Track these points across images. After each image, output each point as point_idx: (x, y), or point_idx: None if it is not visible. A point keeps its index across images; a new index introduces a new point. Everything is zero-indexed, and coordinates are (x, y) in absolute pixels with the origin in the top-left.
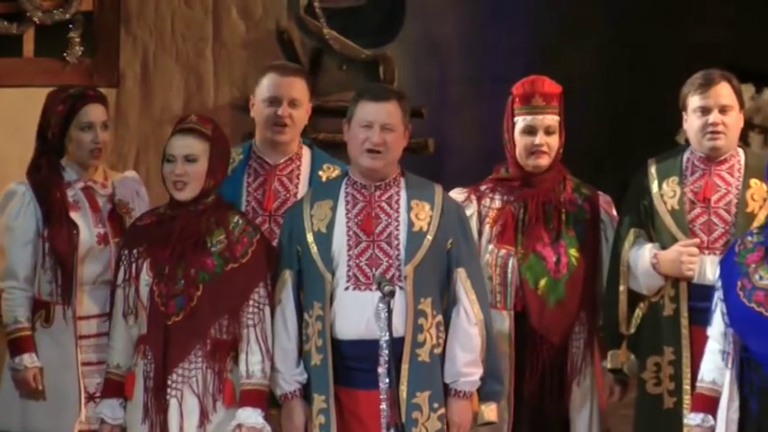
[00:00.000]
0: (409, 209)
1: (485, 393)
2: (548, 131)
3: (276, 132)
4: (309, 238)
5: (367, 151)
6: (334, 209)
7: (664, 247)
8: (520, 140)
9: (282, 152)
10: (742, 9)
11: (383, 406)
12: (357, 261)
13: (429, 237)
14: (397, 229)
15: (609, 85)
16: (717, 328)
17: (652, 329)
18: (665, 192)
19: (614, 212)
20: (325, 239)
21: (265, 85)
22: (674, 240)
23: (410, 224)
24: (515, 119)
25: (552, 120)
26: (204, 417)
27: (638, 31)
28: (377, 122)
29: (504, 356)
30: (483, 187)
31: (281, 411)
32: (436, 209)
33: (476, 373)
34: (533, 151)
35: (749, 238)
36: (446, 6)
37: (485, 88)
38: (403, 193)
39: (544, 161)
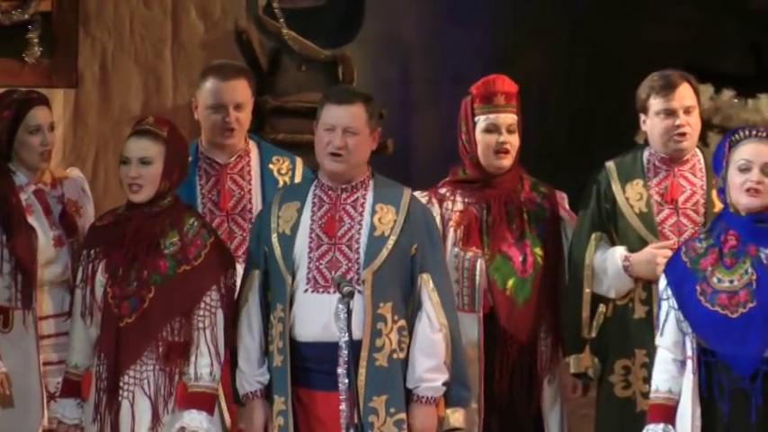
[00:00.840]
0: (373, 212)
1: (450, 399)
2: (509, 130)
3: (226, 137)
4: (274, 239)
5: (329, 154)
6: (300, 210)
7: (630, 250)
8: (482, 139)
9: (230, 152)
10: (700, 9)
11: (342, 407)
12: (317, 264)
13: (390, 241)
14: (359, 233)
15: (567, 85)
16: (669, 337)
17: (619, 333)
18: (629, 195)
19: (567, 207)
20: (288, 241)
21: (208, 91)
22: (643, 243)
23: (372, 228)
24: (476, 118)
25: (512, 119)
26: (156, 418)
27: (597, 30)
28: (339, 126)
29: (473, 359)
30: (443, 190)
31: (244, 411)
32: (401, 213)
33: (438, 378)
34: (498, 150)
35: (698, 244)
36: (405, 6)
37: (444, 88)
38: (369, 197)
39: (507, 161)
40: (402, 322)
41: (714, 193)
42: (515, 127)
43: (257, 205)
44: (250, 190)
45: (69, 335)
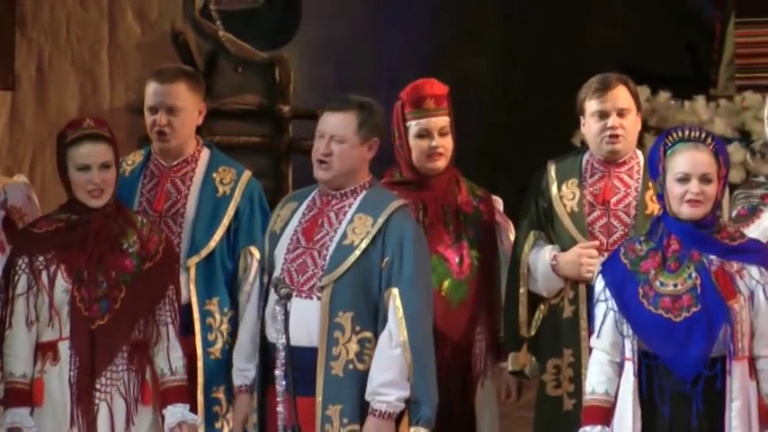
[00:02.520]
0: (350, 221)
1: (413, 417)
2: (441, 133)
3: (158, 140)
4: (267, 237)
5: (317, 161)
6: (294, 212)
7: (563, 250)
8: (415, 145)
9: (175, 155)
10: (637, 10)
11: (279, 408)
12: (290, 266)
13: (357, 252)
14: (331, 240)
15: (505, 87)
16: (606, 339)
17: (552, 332)
18: (564, 194)
19: (502, 213)
20: (274, 241)
21: (147, 94)
22: (574, 243)
23: (343, 237)
24: (407, 123)
25: (444, 121)
26: (130, 418)
27: (534, 32)
28: (326, 132)
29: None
30: None
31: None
32: (377, 225)
33: (392, 394)
34: (431, 154)
35: (638, 246)
36: (342, 8)
37: (381, 90)
38: (355, 205)
39: (442, 163)
40: (367, 334)
41: (648, 195)
42: (448, 129)
43: (191, 211)
44: (187, 195)
45: (8, 344)
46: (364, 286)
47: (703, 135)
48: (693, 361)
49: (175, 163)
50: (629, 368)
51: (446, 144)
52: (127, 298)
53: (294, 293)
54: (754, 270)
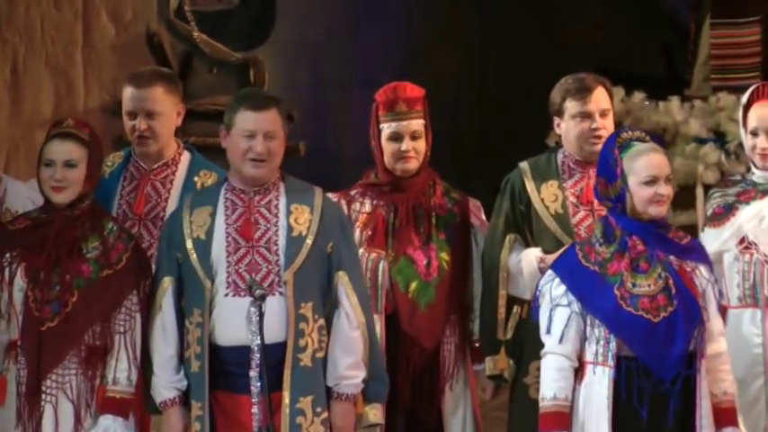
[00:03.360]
0: (288, 213)
1: (369, 395)
2: (414, 136)
3: (138, 145)
4: (189, 244)
5: (251, 160)
6: (213, 215)
7: (546, 251)
8: (387, 147)
9: (155, 158)
10: (612, 11)
11: (255, 410)
12: (236, 267)
13: (308, 241)
14: (277, 235)
15: (479, 88)
16: (570, 344)
17: (534, 334)
18: (545, 196)
19: (483, 217)
20: (204, 246)
21: (125, 99)
22: (558, 244)
23: (289, 229)
24: (381, 126)
25: (418, 124)
26: (78, 423)
27: (509, 32)
28: (260, 131)
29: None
30: (353, 192)
31: (162, 418)
32: (316, 213)
33: (358, 375)
34: (401, 157)
35: (599, 248)
36: (317, 9)
37: (356, 91)
38: (282, 198)
39: (412, 165)
40: (321, 321)
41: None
42: (421, 132)
43: None
44: (167, 198)
45: None
46: (317, 274)
47: (647, 136)
48: (674, 360)
49: (156, 166)
50: (603, 372)
51: (417, 147)
52: (78, 303)
53: (278, 294)
54: (703, 269)
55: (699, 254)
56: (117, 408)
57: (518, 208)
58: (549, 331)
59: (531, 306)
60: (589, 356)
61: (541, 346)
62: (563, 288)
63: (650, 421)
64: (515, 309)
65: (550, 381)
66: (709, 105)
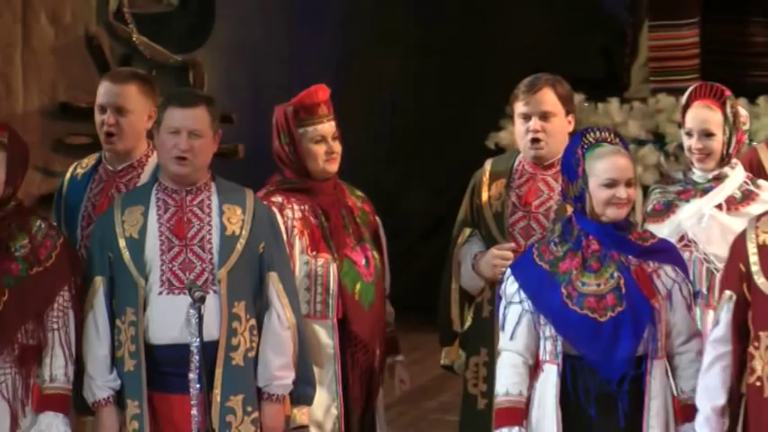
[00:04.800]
0: (221, 213)
1: (297, 397)
2: (334, 137)
3: (105, 141)
4: (121, 243)
5: (175, 158)
6: (145, 214)
7: (488, 248)
8: (313, 150)
9: (123, 159)
10: (550, 13)
11: (194, 411)
12: (170, 266)
13: (242, 240)
14: (210, 233)
15: (418, 89)
16: (521, 341)
17: (475, 330)
18: (492, 194)
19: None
20: (137, 245)
21: (99, 92)
22: (495, 243)
23: (223, 228)
24: (301, 130)
25: (334, 126)
26: (14, 422)
27: (447, 34)
28: (184, 129)
29: (329, 367)
30: (277, 198)
31: (95, 419)
32: (248, 213)
33: (288, 376)
34: (330, 159)
35: (553, 247)
36: (256, 12)
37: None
38: (214, 198)
39: (336, 167)
40: (253, 321)
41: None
42: (337, 133)
43: None
44: None
45: None
46: (249, 274)
47: (617, 138)
48: (620, 361)
49: (121, 168)
50: (551, 370)
51: (338, 148)
52: (10, 302)
53: (212, 293)
54: (669, 269)
55: (666, 254)
56: (56, 404)
57: (475, 204)
58: (503, 328)
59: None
60: (542, 354)
61: (482, 342)
62: (516, 286)
63: (601, 421)
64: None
65: (503, 377)
66: (648, 107)
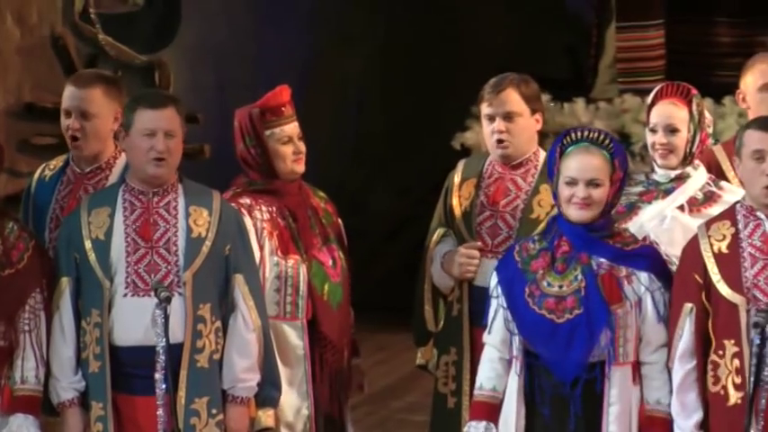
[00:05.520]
0: (187, 215)
1: (262, 399)
2: (299, 137)
3: (71, 146)
4: (87, 245)
5: (153, 159)
6: (112, 216)
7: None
8: (281, 151)
9: (91, 162)
10: (516, 13)
11: (160, 412)
12: (135, 267)
13: (208, 243)
14: (176, 236)
15: (383, 90)
16: (497, 335)
17: (445, 329)
18: (463, 194)
19: None
20: (103, 246)
21: (64, 97)
22: (464, 242)
23: (189, 230)
24: (268, 132)
25: (298, 126)
26: None
27: (412, 34)
28: (160, 130)
29: (299, 367)
30: (245, 200)
31: (60, 420)
32: (214, 215)
33: (253, 379)
34: (297, 159)
35: (531, 245)
36: (221, 12)
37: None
38: (181, 200)
39: (303, 167)
40: (218, 323)
41: (536, 199)
42: (301, 134)
43: None
44: None
45: None
46: (215, 276)
47: (601, 137)
48: (573, 364)
49: (89, 169)
50: (515, 366)
51: (303, 148)
52: None
53: (177, 295)
54: (643, 276)
55: (644, 261)
56: (27, 406)
57: (448, 203)
58: (485, 322)
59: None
60: (514, 350)
61: (452, 341)
62: (496, 280)
63: (554, 422)
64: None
65: (481, 371)
66: (613, 107)
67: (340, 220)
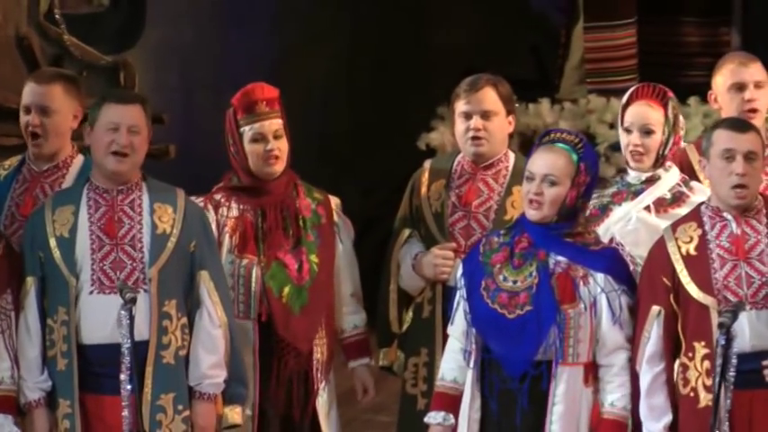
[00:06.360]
0: (152, 212)
1: (229, 396)
2: (275, 136)
3: (30, 143)
4: (52, 243)
5: (113, 153)
6: (76, 213)
7: (427, 249)
8: (251, 149)
9: (47, 159)
10: (481, 13)
11: (125, 413)
12: (101, 265)
13: (173, 239)
14: (141, 232)
15: (349, 89)
16: (459, 327)
17: (414, 331)
18: (431, 194)
19: (343, 214)
20: (68, 244)
21: (24, 93)
22: (436, 243)
23: (154, 227)
24: (241, 129)
25: (278, 123)
26: None
27: (379, 34)
28: (123, 124)
29: (248, 367)
30: (218, 196)
31: (26, 419)
32: (179, 212)
33: (220, 375)
34: (267, 157)
35: (495, 239)
36: (186, 12)
37: (225, 94)
38: (145, 197)
39: (279, 166)
40: (184, 319)
41: (509, 200)
42: (282, 132)
43: None
44: None
45: None
46: (181, 272)
47: (576, 140)
48: (521, 359)
49: (46, 168)
50: (471, 358)
51: (281, 147)
52: None
53: (142, 292)
54: (600, 277)
55: (603, 262)
56: (4, 406)
57: (414, 204)
58: (449, 313)
59: None
60: (471, 342)
61: (423, 343)
62: (461, 272)
63: (501, 416)
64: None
65: (443, 362)
66: (578, 107)
67: (338, 219)
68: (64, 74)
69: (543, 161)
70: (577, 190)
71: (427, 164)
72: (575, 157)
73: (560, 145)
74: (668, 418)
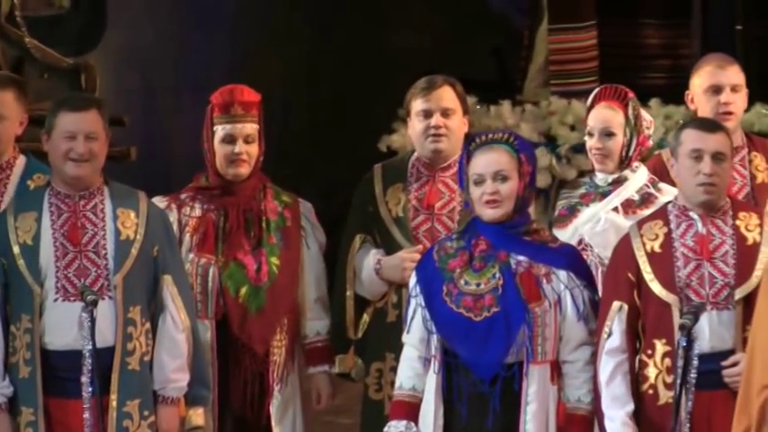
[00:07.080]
0: (115, 217)
1: (192, 398)
2: (247, 140)
3: None
4: (16, 250)
5: (72, 161)
6: (38, 220)
7: (389, 254)
8: (219, 149)
9: None
10: (442, 14)
11: (86, 415)
12: (65, 272)
13: (137, 245)
14: (104, 239)
15: (310, 91)
16: (416, 335)
17: (376, 335)
18: (389, 198)
19: (315, 220)
20: (31, 251)
21: None
22: (399, 247)
23: (117, 233)
24: (214, 128)
25: (252, 128)
26: None
27: (340, 36)
28: (80, 132)
29: (207, 365)
30: (183, 196)
31: None
32: (142, 216)
33: (183, 379)
34: (233, 160)
35: (449, 243)
36: (147, 15)
37: (186, 96)
38: (108, 202)
39: (244, 170)
40: (148, 325)
41: None
42: (255, 137)
43: None
44: (1, 202)
45: None
46: (144, 278)
47: (504, 136)
48: (491, 362)
49: None
50: (433, 365)
51: (250, 151)
52: None
53: (107, 298)
54: (562, 274)
55: (563, 259)
56: None
57: (368, 210)
58: (404, 321)
59: None
60: (432, 349)
61: (388, 347)
62: (415, 280)
63: (470, 420)
64: (368, 309)
65: (400, 370)
66: (540, 109)
67: (305, 224)
68: (16, 80)
69: (488, 161)
70: (524, 180)
71: (377, 169)
72: (512, 150)
73: (495, 144)
74: (630, 406)
